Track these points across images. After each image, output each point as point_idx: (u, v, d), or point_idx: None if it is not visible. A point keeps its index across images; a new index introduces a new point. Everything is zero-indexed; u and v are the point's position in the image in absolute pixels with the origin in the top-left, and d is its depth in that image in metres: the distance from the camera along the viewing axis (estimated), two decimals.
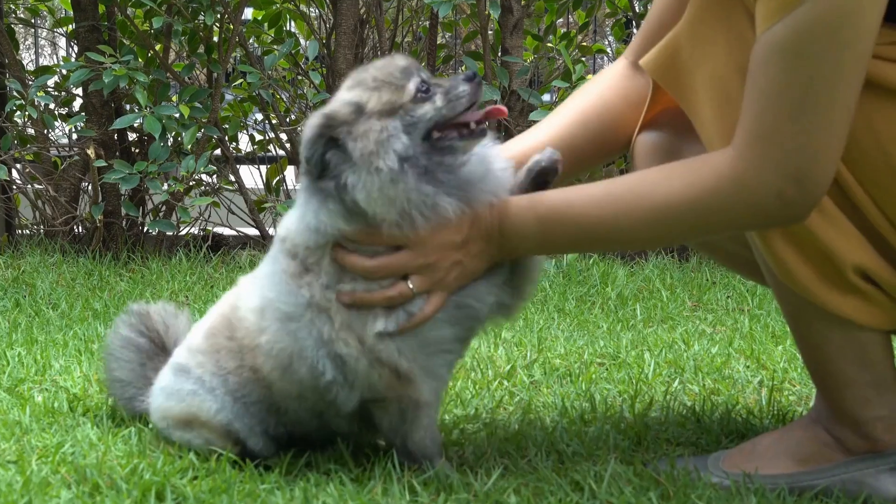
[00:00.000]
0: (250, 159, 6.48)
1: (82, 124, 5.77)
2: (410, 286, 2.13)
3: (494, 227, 2.14)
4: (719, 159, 1.99)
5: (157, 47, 5.88)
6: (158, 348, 2.62)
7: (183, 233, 6.05)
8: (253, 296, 2.26)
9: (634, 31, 6.41)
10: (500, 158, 2.21)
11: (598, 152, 2.43)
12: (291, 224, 2.20)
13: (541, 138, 2.40)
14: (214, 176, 6.02)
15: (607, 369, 3.23)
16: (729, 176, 1.97)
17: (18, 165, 5.93)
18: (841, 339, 2.15)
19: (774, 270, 2.12)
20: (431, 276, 2.14)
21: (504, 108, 2.17)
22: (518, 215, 2.13)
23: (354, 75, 2.17)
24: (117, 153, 5.87)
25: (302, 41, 6.37)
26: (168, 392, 2.39)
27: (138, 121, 5.56)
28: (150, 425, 2.52)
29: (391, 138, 2.07)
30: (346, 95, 2.13)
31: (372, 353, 2.13)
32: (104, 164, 5.55)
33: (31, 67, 6.97)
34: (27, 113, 5.72)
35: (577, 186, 2.16)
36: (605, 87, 2.46)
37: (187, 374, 2.36)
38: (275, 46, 6.11)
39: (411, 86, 2.12)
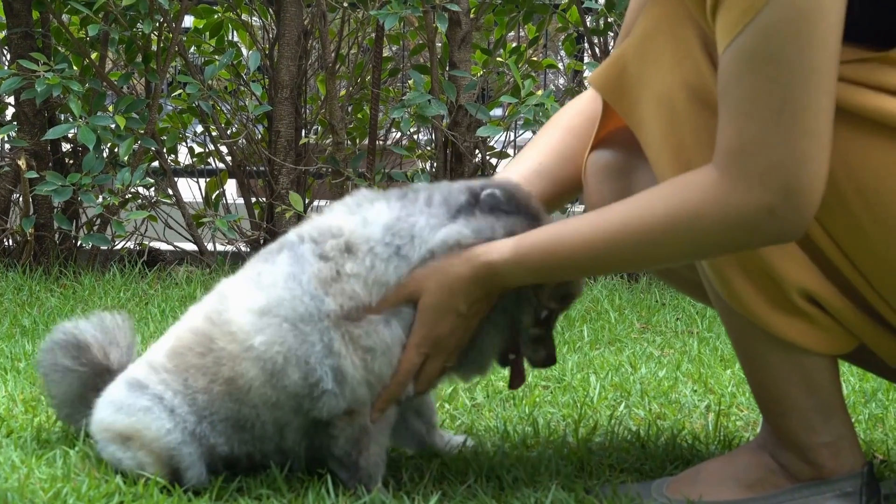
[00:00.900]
0: (189, 172, 6.45)
1: (13, 134, 5.72)
2: (430, 371, 2.26)
3: (487, 282, 2.18)
4: (702, 180, 1.97)
5: (93, 55, 5.84)
6: (98, 370, 2.58)
7: (118, 247, 6.01)
8: (255, 296, 2.25)
9: (586, 46, 6.45)
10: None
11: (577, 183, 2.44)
12: (349, 223, 2.25)
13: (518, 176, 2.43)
14: (151, 189, 5.98)
15: (552, 392, 3.23)
16: (714, 198, 1.94)
17: None
18: (785, 364, 2.15)
19: (719, 291, 2.13)
20: (443, 350, 2.25)
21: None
22: (503, 264, 2.16)
23: None
24: (50, 164, 5.82)
25: (244, 51, 6.35)
26: (117, 405, 2.35)
27: (72, 131, 5.51)
28: (77, 448, 2.50)
29: None
30: None
31: (373, 374, 2.21)
32: (36, 175, 5.50)
33: None
34: None
35: (562, 224, 2.17)
36: (575, 112, 2.49)
37: (144, 390, 2.32)
38: (216, 56, 6.09)
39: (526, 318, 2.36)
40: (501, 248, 2.17)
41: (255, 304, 2.24)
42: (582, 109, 2.47)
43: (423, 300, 2.19)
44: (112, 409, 2.37)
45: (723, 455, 2.37)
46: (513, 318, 2.29)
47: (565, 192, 2.45)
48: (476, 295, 2.19)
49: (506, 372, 2.25)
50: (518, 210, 2.22)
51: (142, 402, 2.31)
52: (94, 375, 2.57)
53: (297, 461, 2.37)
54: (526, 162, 2.45)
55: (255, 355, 2.22)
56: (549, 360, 2.34)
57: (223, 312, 2.28)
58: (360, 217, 2.26)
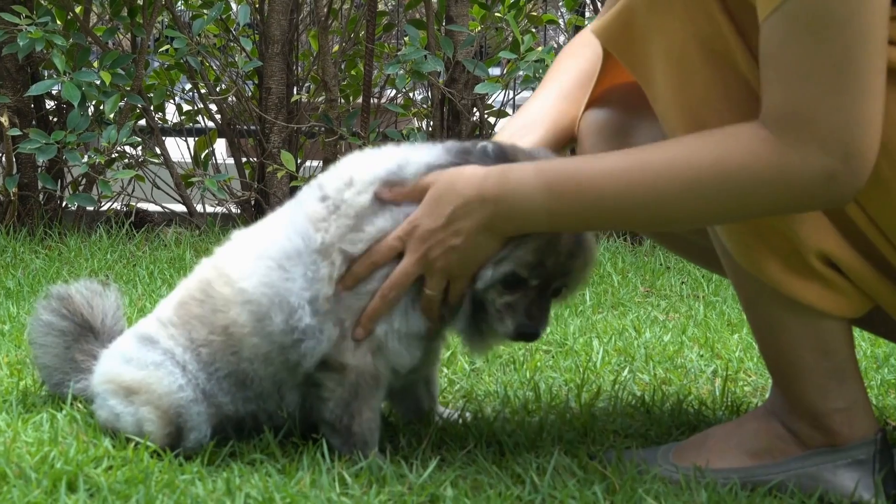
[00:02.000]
0: (177, 131, 6.43)
1: None
2: (428, 291, 2.20)
3: (491, 196, 2.10)
4: (751, 137, 1.94)
5: (77, 9, 5.80)
6: (84, 330, 2.60)
7: (104, 208, 6.00)
8: (254, 243, 2.31)
9: (588, 0, 6.42)
10: None
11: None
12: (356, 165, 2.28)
13: (538, 120, 2.43)
14: (138, 148, 5.96)
15: (553, 357, 3.23)
16: (767, 158, 1.92)
17: None
18: (800, 327, 2.15)
19: (734, 254, 2.12)
20: (436, 268, 2.17)
21: None
22: (522, 182, 2.08)
23: None
24: (33, 122, 5.80)
25: (233, 5, 6.31)
26: (126, 357, 2.36)
27: (56, 87, 5.49)
28: (64, 412, 2.49)
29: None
30: None
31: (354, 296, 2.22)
32: (19, 132, 5.49)
33: None
34: None
35: (592, 157, 2.14)
36: (583, 59, 2.47)
37: (154, 344, 2.34)
38: (204, 10, 6.05)
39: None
40: (523, 166, 2.13)
41: (253, 248, 2.30)
42: (589, 56, 2.46)
43: (430, 188, 2.18)
44: (120, 360, 2.38)
45: (730, 421, 2.36)
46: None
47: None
48: (469, 204, 2.12)
49: None
50: (507, 161, 2.19)
51: (153, 356, 2.32)
52: (78, 334, 2.58)
53: (294, 426, 2.37)
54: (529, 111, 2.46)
55: (245, 298, 2.26)
56: (517, 333, 2.22)
57: (222, 260, 2.34)
58: (366, 159, 2.30)
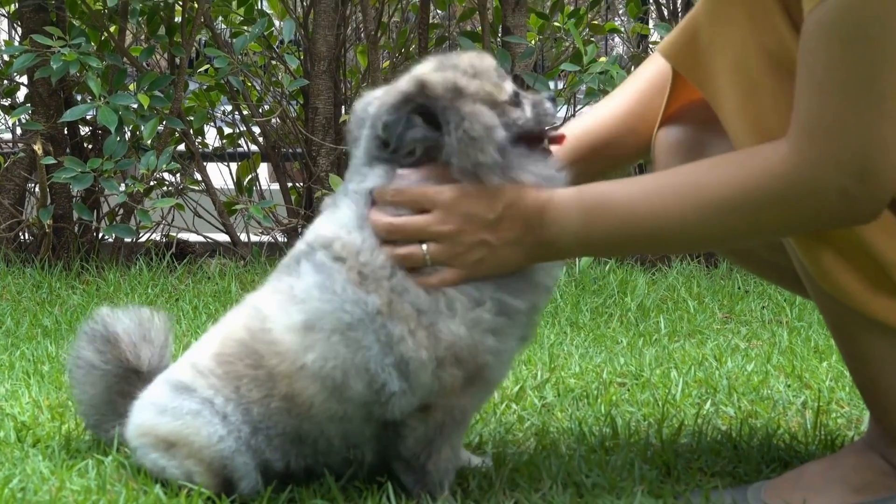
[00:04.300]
0: (219, 156, 6.46)
1: (27, 116, 5.75)
2: (424, 250, 2.18)
3: (536, 214, 2.16)
4: (770, 153, 1.99)
5: (112, 29, 5.86)
6: (129, 372, 2.60)
7: (143, 239, 6.03)
8: (292, 312, 2.25)
9: (652, 7, 6.41)
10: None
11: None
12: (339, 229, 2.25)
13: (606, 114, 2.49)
14: (178, 174, 6.00)
15: (629, 390, 3.21)
16: (782, 173, 1.97)
17: None
18: (892, 351, 2.13)
19: (813, 275, 2.11)
20: (451, 247, 2.17)
21: (564, 136, 2.31)
22: (562, 204, 2.16)
23: (441, 59, 2.27)
24: (67, 149, 5.85)
25: (276, 21, 6.35)
26: (161, 408, 2.35)
27: (91, 112, 5.52)
28: (110, 457, 2.50)
29: (496, 129, 2.17)
30: (436, 75, 2.22)
31: (450, 351, 2.20)
32: (53, 161, 5.52)
33: None
34: None
35: (627, 179, 2.19)
36: (643, 80, 2.52)
37: (191, 393, 2.32)
38: (245, 27, 6.09)
39: (508, 86, 2.24)
40: (565, 189, 2.20)
41: (293, 321, 2.25)
42: (650, 77, 2.48)
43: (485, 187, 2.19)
44: (153, 410, 2.37)
45: (826, 456, 2.35)
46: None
47: (615, 157, 2.51)
48: (517, 213, 2.16)
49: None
50: None
51: (189, 405, 2.31)
52: (121, 376, 2.58)
53: (360, 469, 2.36)
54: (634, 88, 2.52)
55: (311, 373, 2.23)
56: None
57: (266, 332, 2.28)
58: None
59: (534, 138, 2.25)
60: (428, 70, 2.24)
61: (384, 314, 2.18)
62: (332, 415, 2.26)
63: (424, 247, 2.18)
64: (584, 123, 2.49)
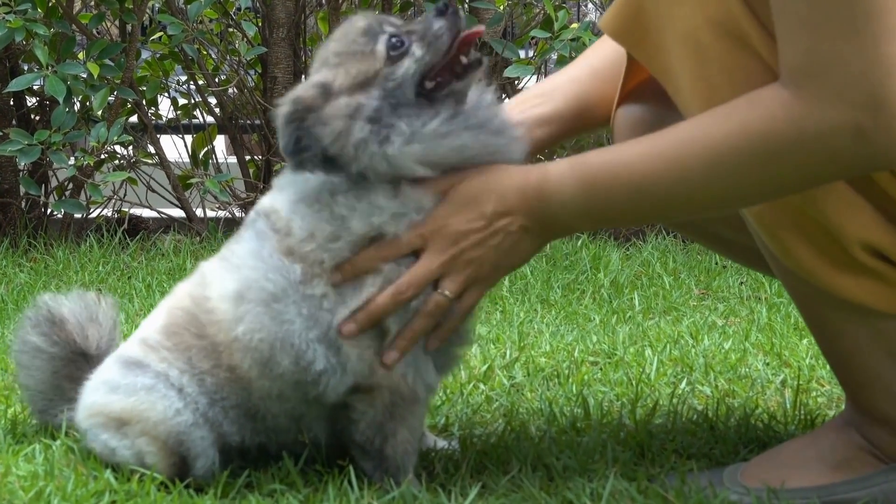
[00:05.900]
0: (173, 127, 6.44)
1: None
2: (446, 293, 2.18)
3: (534, 197, 2.15)
4: (770, 100, 1.95)
5: None
6: (76, 356, 2.59)
7: (94, 215, 6.01)
8: (227, 280, 2.27)
9: None
10: (513, 121, 2.29)
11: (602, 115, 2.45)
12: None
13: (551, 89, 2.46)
14: (130, 147, 5.98)
15: (601, 369, 3.22)
16: (786, 119, 1.93)
17: None
18: (861, 329, 2.14)
19: (774, 251, 2.11)
20: (462, 270, 2.17)
21: (479, 28, 2.23)
22: (559, 181, 2.14)
23: (318, 54, 2.26)
24: (14, 121, 5.83)
25: None
26: (112, 385, 2.34)
27: (38, 82, 5.50)
28: (59, 441, 2.49)
29: (362, 107, 2.16)
30: (312, 78, 2.22)
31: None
32: None
33: None
34: None
35: (619, 144, 2.17)
36: (600, 55, 2.51)
37: (144, 368, 2.32)
38: None
39: (380, 47, 2.20)
40: (558, 163, 2.18)
41: (227, 289, 2.26)
42: (607, 54, 2.49)
43: (458, 186, 2.18)
44: (105, 389, 2.36)
45: (804, 435, 2.36)
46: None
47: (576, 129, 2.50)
48: (510, 203, 2.15)
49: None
50: None
51: (143, 380, 2.30)
52: (68, 359, 2.57)
53: (316, 452, 2.35)
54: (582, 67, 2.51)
55: (243, 346, 2.24)
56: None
57: (206, 300, 2.29)
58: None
59: (447, 65, 2.21)
60: (310, 76, 2.24)
61: (306, 284, 2.19)
62: (267, 393, 2.26)
63: (443, 290, 2.18)
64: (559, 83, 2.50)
